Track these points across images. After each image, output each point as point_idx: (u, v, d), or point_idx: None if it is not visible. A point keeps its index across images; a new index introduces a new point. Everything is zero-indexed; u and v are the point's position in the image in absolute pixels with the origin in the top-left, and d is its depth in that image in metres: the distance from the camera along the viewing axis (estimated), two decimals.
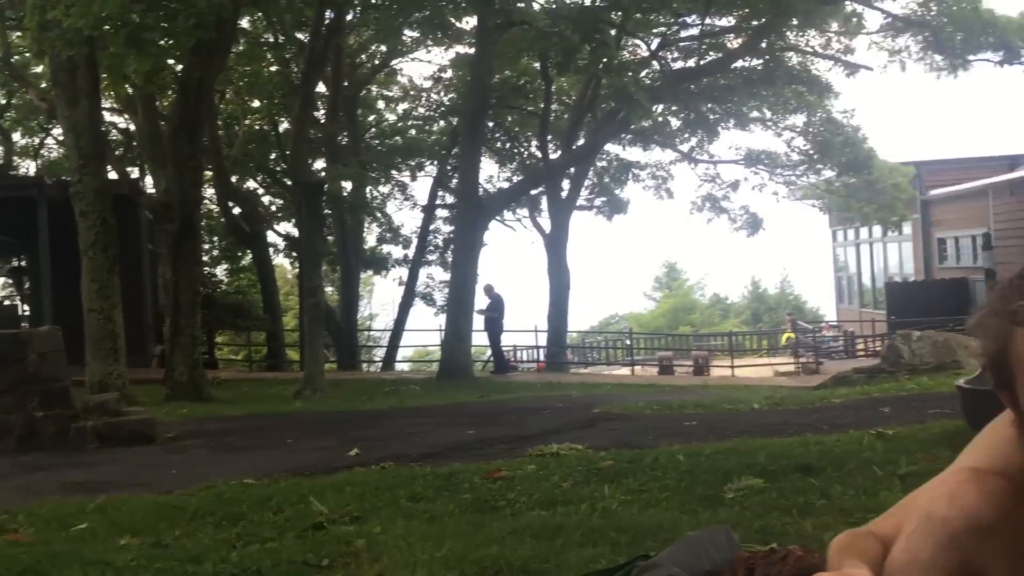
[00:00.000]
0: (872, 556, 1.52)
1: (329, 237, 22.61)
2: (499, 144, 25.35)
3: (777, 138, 21.74)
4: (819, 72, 19.79)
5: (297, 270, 23.21)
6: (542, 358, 24.33)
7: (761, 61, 17.82)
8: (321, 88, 19.63)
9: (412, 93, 25.35)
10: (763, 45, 17.30)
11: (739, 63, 17.77)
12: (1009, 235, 20.73)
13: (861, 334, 24.91)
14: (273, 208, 26.39)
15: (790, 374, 20.73)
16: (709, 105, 19.61)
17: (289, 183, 21.14)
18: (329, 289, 26.42)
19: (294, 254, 23.83)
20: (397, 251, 25.80)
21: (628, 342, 27.51)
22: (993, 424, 1.56)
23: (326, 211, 18.84)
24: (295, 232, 23.03)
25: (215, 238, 25.61)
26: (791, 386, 13.25)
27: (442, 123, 25.29)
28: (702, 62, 18.19)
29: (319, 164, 20.52)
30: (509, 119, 24.44)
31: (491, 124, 22.71)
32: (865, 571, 1.43)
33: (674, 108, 20.45)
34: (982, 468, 1.50)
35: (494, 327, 19.11)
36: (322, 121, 20.44)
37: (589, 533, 3.52)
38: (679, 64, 19.92)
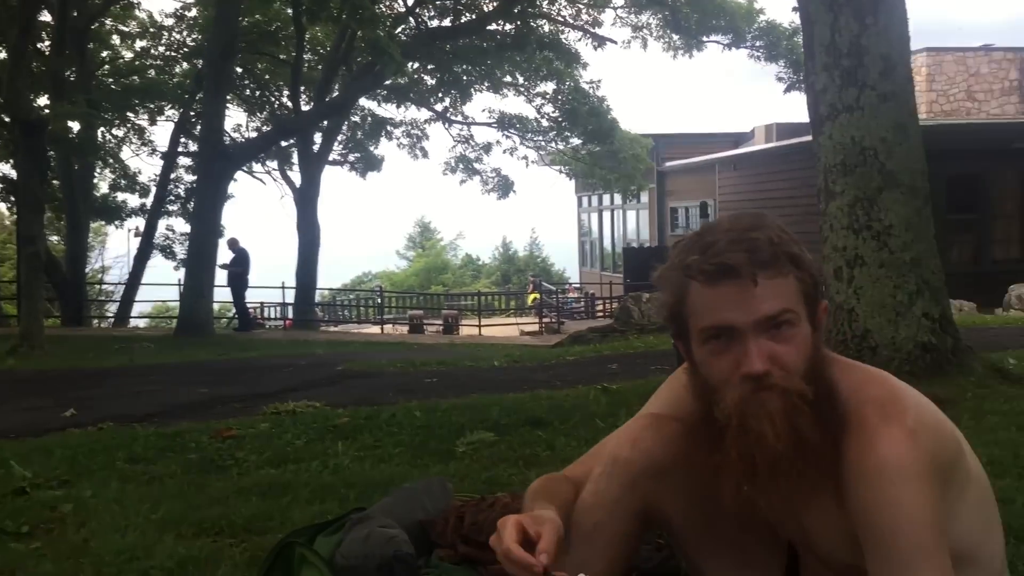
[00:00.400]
0: (564, 498, 1.58)
1: (54, 181, 20.72)
2: (248, 92, 24.23)
3: (528, 104, 22.35)
4: (569, 42, 20.50)
5: (16, 216, 21.05)
6: (290, 316, 23.77)
7: (513, 26, 18.17)
8: (46, 17, 17.83)
9: (152, 30, 23.60)
10: (516, 10, 17.62)
11: (493, 26, 18.01)
12: (732, 206, 22.59)
13: (601, 296, 26.33)
14: None
15: (534, 333, 21.55)
16: (464, 66, 19.77)
17: (7, 120, 19.08)
18: (54, 238, 24.31)
19: (12, 199, 21.58)
20: (133, 200, 24.15)
21: (379, 301, 27.44)
22: (675, 373, 1.67)
23: (49, 152, 17.20)
24: (13, 175, 20.86)
25: None
26: (533, 344, 13.76)
27: (185, 65, 23.77)
28: (457, 22, 18.26)
29: (42, 101, 18.69)
30: (260, 66, 23.40)
31: (240, 70, 21.66)
32: (550, 512, 1.47)
33: (429, 67, 20.44)
34: (661, 414, 1.59)
35: (238, 283, 18.38)
36: (47, 54, 18.58)
37: (318, 490, 3.46)
38: (435, 23, 19.90)
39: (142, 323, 24.99)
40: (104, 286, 29.14)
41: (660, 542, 2.04)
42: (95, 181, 23.71)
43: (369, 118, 23.96)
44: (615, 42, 19.75)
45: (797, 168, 16.24)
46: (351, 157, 24.43)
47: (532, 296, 28.79)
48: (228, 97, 19.13)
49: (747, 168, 21.99)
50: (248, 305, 20.01)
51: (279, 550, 2.01)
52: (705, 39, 18.90)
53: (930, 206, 5.60)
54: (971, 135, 17.50)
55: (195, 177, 21.99)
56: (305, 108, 20.81)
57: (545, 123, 21.93)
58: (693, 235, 1.49)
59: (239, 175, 22.23)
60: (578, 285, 31.67)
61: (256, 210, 26.76)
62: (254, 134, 23.89)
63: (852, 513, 1.32)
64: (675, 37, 18.89)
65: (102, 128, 22.37)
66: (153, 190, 23.76)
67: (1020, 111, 23.57)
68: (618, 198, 27.77)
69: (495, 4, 18.01)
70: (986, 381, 5.14)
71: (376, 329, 23.59)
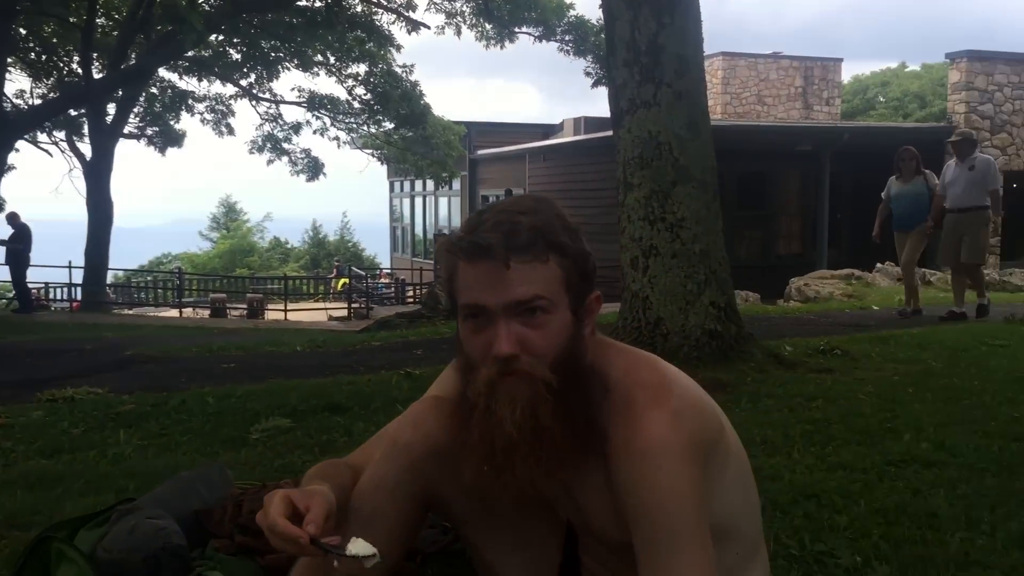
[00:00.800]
0: (341, 482, 1.54)
1: None
2: (34, 56, 22.38)
3: (340, 85, 21.89)
4: (382, 24, 20.22)
5: None
6: (78, 297, 22.26)
7: (324, 3, 17.72)
8: None
9: None
10: None
11: (303, 2, 17.50)
12: (541, 194, 23.06)
13: (412, 282, 26.28)
14: None
15: (343, 319, 21.23)
16: (272, 42, 19.10)
17: None
18: None
19: None
20: None
21: (179, 283, 26.20)
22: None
23: None
24: None
25: None
26: (340, 330, 13.53)
27: None
28: None
29: None
30: (47, 28, 21.65)
31: (23, 31, 19.96)
32: (322, 487, 1.44)
33: (235, 40, 19.60)
34: (443, 396, 1.58)
35: (18, 260, 16.99)
36: None
37: (95, 481, 3.24)
38: None
39: None
40: None
41: (446, 524, 2.03)
42: None
43: (169, 90, 22.71)
44: (428, 27, 19.67)
45: (604, 161, 16.78)
46: (149, 131, 23.08)
47: (341, 281, 28.36)
48: (9, 60, 17.61)
49: (556, 159, 22.55)
50: (30, 285, 18.59)
51: (34, 546, 1.85)
52: (517, 30, 19.15)
53: (719, 201, 5.92)
54: (760, 137, 18.70)
55: None
56: (98, 76, 19.45)
57: (357, 105, 21.56)
58: (474, 215, 1.48)
59: (22, 145, 20.59)
60: (389, 271, 31.47)
61: (42, 184, 24.78)
62: (39, 101, 22.11)
63: (619, 492, 1.35)
64: (488, 26, 19.04)
65: None
66: None
67: (804, 116, 25.41)
68: (430, 184, 27.78)
69: None
70: (764, 366, 5.48)
71: (174, 313, 22.52)
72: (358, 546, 1.40)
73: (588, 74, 19.22)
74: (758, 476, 3.06)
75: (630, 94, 5.73)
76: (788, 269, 15.70)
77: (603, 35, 15.74)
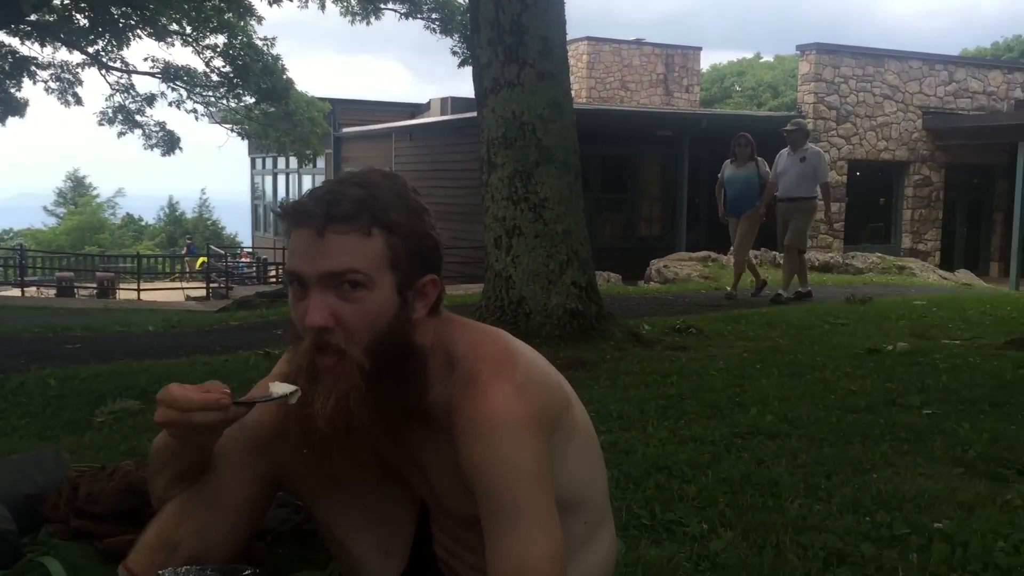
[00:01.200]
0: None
1: None
2: None
3: (197, 56, 20.99)
4: None
5: None
6: None
7: None
8: None
9: None
10: None
11: None
12: (409, 176, 22.60)
13: (275, 261, 25.65)
14: None
15: (201, 299, 20.57)
16: (123, 8, 18.15)
17: None
18: None
19: None
20: None
21: (21, 261, 24.73)
22: None
23: None
24: None
25: None
26: (197, 310, 13.08)
27: None
28: None
29: None
30: None
31: None
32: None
33: (82, 4, 18.51)
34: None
35: None
36: None
37: None
38: None
39: None
40: None
41: (299, 503, 1.99)
42: None
43: (10, 57, 21.27)
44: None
45: (470, 142, 16.77)
46: None
47: (200, 260, 27.42)
48: None
49: (423, 139, 22.40)
50: None
51: None
52: (383, 6, 18.85)
53: (580, 182, 6.01)
54: (623, 121, 19.10)
55: None
56: None
57: (215, 78, 20.73)
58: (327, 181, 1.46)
59: None
60: (251, 250, 30.60)
61: None
62: None
63: (464, 466, 1.35)
64: (353, 1, 18.66)
65: None
66: None
67: (665, 102, 26.11)
68: (293, 162, 27.12)
69: None
70: (623, 345, 5.63)
71: (16, 292, 21.27)
72: (279, 388, 1.40)
73: (455, 53, 19.11)
74: (614, 450, 3.15)
75: (494, 74, 5.74)
76: (649, 251, 16.13)
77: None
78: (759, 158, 9.33)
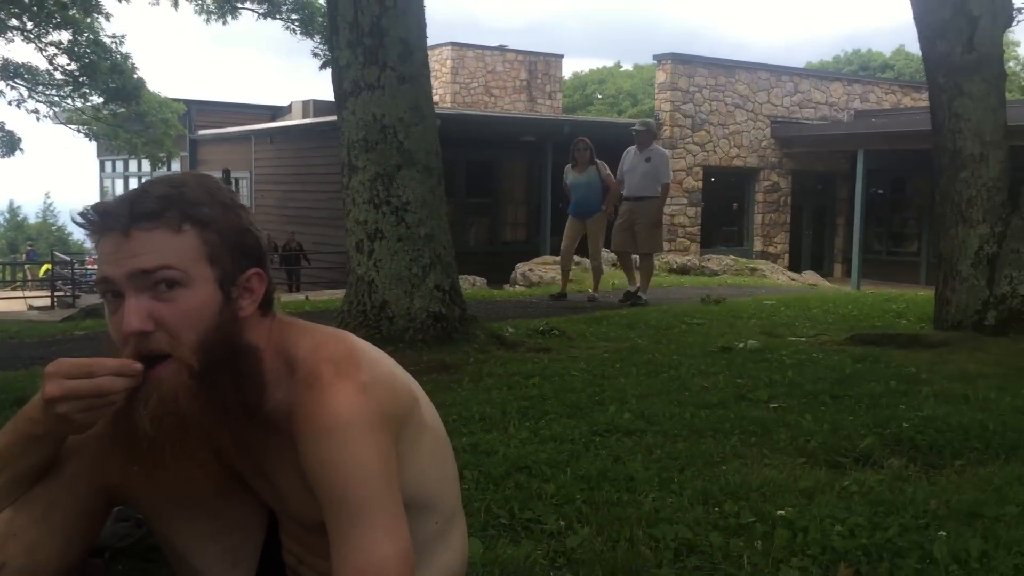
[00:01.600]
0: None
1: None
2: None
3: (39, 53, 19.91)
4: None
5: None
6: None
7: None
8: None
9: None
10: None
11: None
12: (270, 179, 22.40)
13: None
14: None
15: (45, 308, 19.46)
16: None
17: None
18: None
19: None
20: None
21: None
22: None
23: None
24: None
25: None
26: (40, 319, 12.36)
27: None
28: None
29: None
30: None
31: None
32: None
33: None
34: None
35: None
36: None
37: None
38: None
39: None
40: None
41: (140, 517, 1.90)
42: None
43: None
44: None
45: (333, 145, 16.47)
46: None
47: (44, 267, 25.97)
48: None
49: (284, 142, 21.93)
50: None
51: None
52: (239, 5, 18.36)
53: (443, 186, 6.00)
54: (487, 126, 19.23)
55: None
56: None
57: (59, 76, 19.71)
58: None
59: None
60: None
61: None
62: None
63: (307, 469, 1.32)
64: (209, 0, 18.10)
65: None
66: None
67: (529, 108, 26.45)
68: (146, 165, 26.02)
69: None
70: (487, 347, 5.65)
71: None
72: None
73: (316, 55, 18.80)
74: (476, 451, 3.16)
75: (354, 76, 5.67)
76: (514, 255, 16.30)
77: None
78: (599, 161, 9.52)
